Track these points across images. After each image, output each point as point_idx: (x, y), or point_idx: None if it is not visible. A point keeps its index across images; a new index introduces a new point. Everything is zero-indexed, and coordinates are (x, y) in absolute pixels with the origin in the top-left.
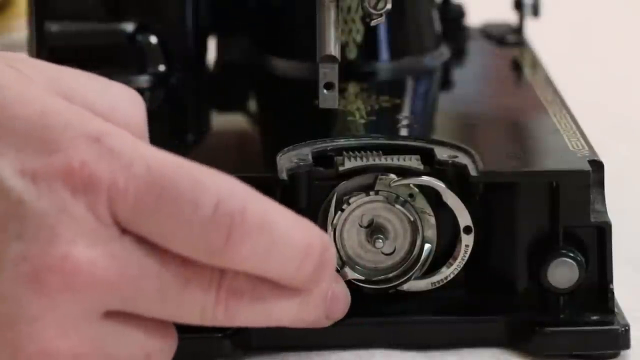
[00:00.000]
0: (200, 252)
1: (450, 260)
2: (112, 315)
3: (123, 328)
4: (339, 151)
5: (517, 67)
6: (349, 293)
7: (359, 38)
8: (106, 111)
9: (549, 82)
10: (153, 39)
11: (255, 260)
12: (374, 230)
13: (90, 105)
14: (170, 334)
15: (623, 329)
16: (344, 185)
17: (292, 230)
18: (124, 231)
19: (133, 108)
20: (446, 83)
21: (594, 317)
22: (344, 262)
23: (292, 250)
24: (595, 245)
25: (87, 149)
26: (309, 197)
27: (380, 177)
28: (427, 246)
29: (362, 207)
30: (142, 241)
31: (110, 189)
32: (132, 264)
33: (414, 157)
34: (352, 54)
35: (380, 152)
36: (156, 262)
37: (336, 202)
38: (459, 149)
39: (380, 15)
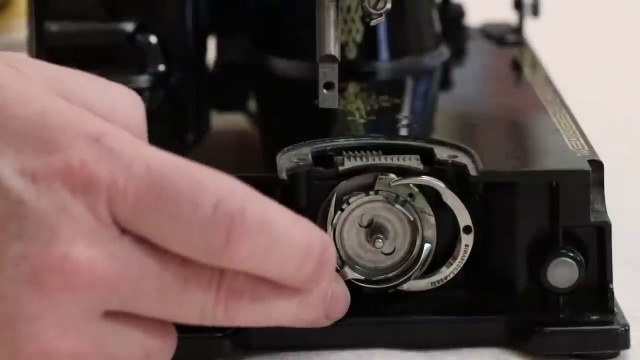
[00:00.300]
0: (200, 252)
1: (450, 260)
2: (112, 315)
3: (123, 328)
4: (339, 151)
5: (517, 67)
6: (348, 293)
7: (359, 38)
8: (106, 112)
9: (549, 82)
10: (153, 39)
11: (255, 260)
12: (374, 230)
13: (90, 106)
14: (170, 334)
15: (623, 329)
16: (344, 185)
17: (292, 230)
18: (124, 231)
19: (133, 109)
20: (446, 83)
21: (594, 317)
22: (344, 262)
23: (292, 251)
24: (595, 245)
25: (87, 149)
26: (309, 197)
27: (380, 177)
28: (427, 246)
29: (362, 207)
30: (142, 241)
31: (110, 189)
32: (132, 264)
33: (414, 157)
34: (352, 54)
35: (380, 152)
36: (156, 262)
37: (336, 202)
38: (459, 149)
39: (380, 15)
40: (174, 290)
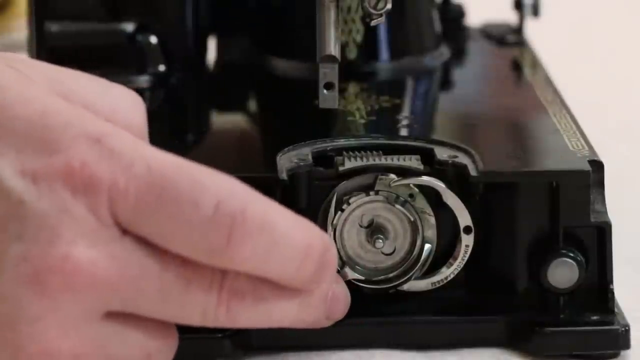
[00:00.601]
0: (201, 252)
1: (450, 260)
2: (113, 315)
3: (124, 328)
4: (339, 151)
5: (517, 67)
6: (349, 293)
7: (359, 38)
8: (107, 112)
9: (549, 82)
10: (153, 39)
11: (255, 261)
12: (374, 230)
13: (90, 106)
14: (171, 334)
15: (623, 329)
16: (344, 185)
17: (293, 231)
18: (125, 232)
19: (133, 110)
20: (446, 83)
21: (594, 317)
22: (344, 262)
23: (293, 251)
24: (595, 245)
25: (88, 149)
26: (309, 197)
27: (380, 177)
28: (427, 246)
29: (362, 207)
30: (143, 242)
31: (111, 190)
32: (133, 265)
33: (414, 157)
34: (352, 54)
35: (380, 152)
36: (157, 263)
37: (336, 202)
38: (459, 149)
39: (380, 15)
40: (175, 291)
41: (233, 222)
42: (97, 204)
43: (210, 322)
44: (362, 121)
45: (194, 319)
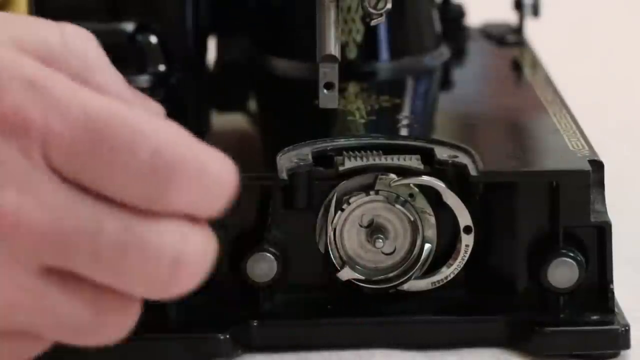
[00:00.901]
0: (136, 198)
1: (450, 260)
2: (57, 270)
3: (68, 284)
4: (339, 151)
5: (517, 67)
6: (205, 255)
7: (359, 38)
8: (59, 50)
9: (549, 82)
10: (153, 39)
11: (188, 205)
12: (374, 230)
13: (42, 46)
14: (128, 296)
15: (623, 329)
16: (344, 185)
17: (222, 173)
18: (65, 180)
19: (86, 43)
20: (446, 83)
21: (594, 317)
22: (344, 261)
23: (221, 190)
24: (595, 245)
25: (22, 92)
26: (309, 197)
27: (380, 176)
28: (427, 246)
29: (362, 207)
30: (84, 196)
31: (45, 133)
32: (68, 217)
33: (414, 157)
34: (352, 54)
35: (380, 151)
36: (94, 220)
37: (336, 202)
38: (459, 148)
39: (380, 15)
40: (112, 255)
41: (168, 169)
42: (29, 147)
43: (156, 294)
44: (362, 121)
45: (136, 290)
